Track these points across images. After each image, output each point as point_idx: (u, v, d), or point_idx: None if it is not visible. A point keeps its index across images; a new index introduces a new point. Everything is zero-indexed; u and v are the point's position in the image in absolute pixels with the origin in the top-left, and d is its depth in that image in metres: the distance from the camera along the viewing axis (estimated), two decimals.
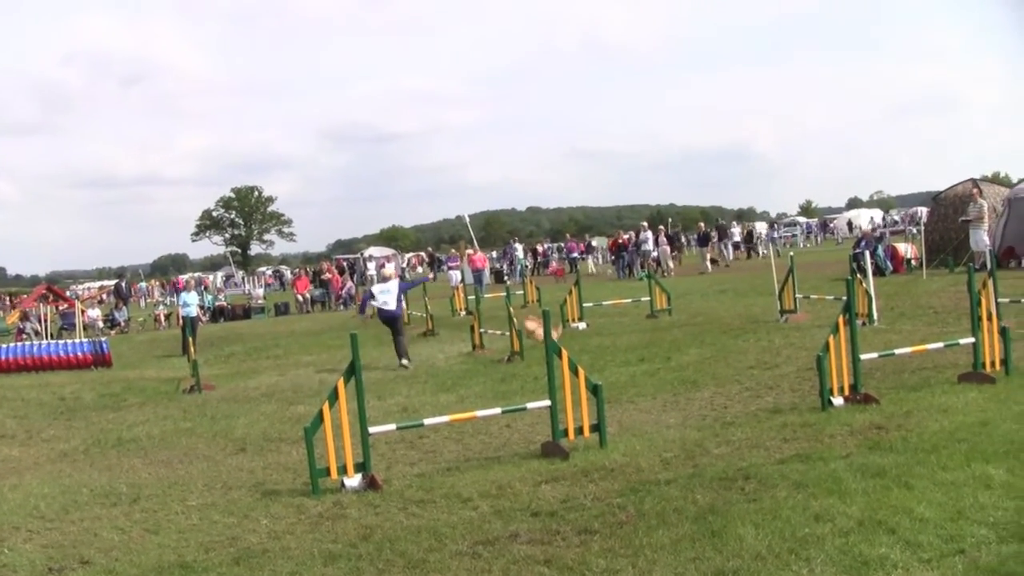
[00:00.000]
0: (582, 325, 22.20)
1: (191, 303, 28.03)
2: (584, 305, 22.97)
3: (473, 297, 24.52)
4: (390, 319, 19.03)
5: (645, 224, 45.84)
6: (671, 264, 42.76)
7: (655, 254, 41.98)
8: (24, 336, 35.78)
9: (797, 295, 19.67)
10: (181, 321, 27.35)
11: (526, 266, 49.65)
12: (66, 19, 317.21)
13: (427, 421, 10.49)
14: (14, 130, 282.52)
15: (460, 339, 21.33)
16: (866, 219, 77.83)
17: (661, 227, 46.75)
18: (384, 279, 20.34)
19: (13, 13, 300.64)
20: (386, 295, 19.12)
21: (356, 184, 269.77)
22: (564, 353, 9.84)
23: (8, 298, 66.32)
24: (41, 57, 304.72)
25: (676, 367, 15.05)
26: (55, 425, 15.22)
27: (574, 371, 9.82)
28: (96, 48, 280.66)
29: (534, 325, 17.05)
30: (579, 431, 9.83)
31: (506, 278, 45.61)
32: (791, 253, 21.67)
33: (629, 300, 25.01)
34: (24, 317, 39.82)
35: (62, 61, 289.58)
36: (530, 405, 10.44)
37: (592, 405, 9.91)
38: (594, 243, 77.32)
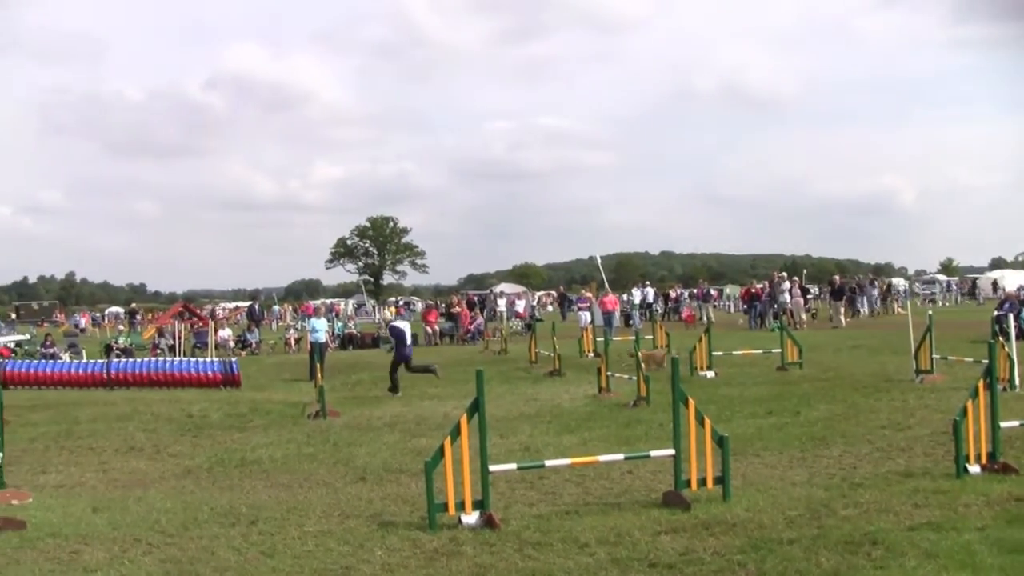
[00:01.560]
0: (711, 374, 21.91)
1: (320, 329, 28.36)
2: (713, 354, 22.68)
3: (602, 339, 24.36)
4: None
5: (785, 274, 45.09)
6: (804, 316, 42.00)
7: (789, 305, 41.24)
8: (158, 352, 36.71)
9: (934, 355, 19.08)
10: (310, 346, 27.66)
11: (640, 316, 48.93)
12: (213, 46, 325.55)
13: (548, 462, 10.42)
14: (159, 151, 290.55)
15: (587, 381, 21.18)
16: (1013, 280, 75.42)
17: (795, 278, 45.99)
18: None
19: (161, 38, 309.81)
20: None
21: (489, 220, 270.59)
22: (691, 402, 9.66)
23: (147, 314, 68.10)
24: (187, 81, 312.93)
25: (804, 422, 14.71)
26: (182, 441, 15.51)
27: (700, 421, 9.63)
28: (241, 75, 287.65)
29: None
30: (702, 482, 9.63)
31: (630, 323, 45.22)
32: (930, 311, 21.07)
33: (759, 351, 24.59)
34: (160, 333, 40.86)
35: (207, 86, 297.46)
36: (654, 453, 10.30)
37: (717, 456, 9.70)
38: (726, 291, 76.58)
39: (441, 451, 8.94)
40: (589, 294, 46.32)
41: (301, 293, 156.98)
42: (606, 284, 50.47)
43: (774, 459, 11.91)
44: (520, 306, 57.38)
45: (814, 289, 62.20)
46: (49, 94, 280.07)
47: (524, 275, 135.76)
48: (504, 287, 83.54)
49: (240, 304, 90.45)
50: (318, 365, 20.16)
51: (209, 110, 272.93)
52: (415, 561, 7.92)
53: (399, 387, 21.78)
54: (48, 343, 39.19)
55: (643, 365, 17.82)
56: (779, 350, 22.98)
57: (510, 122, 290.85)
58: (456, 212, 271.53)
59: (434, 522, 8.91)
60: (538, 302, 75.38)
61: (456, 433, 8.94)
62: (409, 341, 22.89)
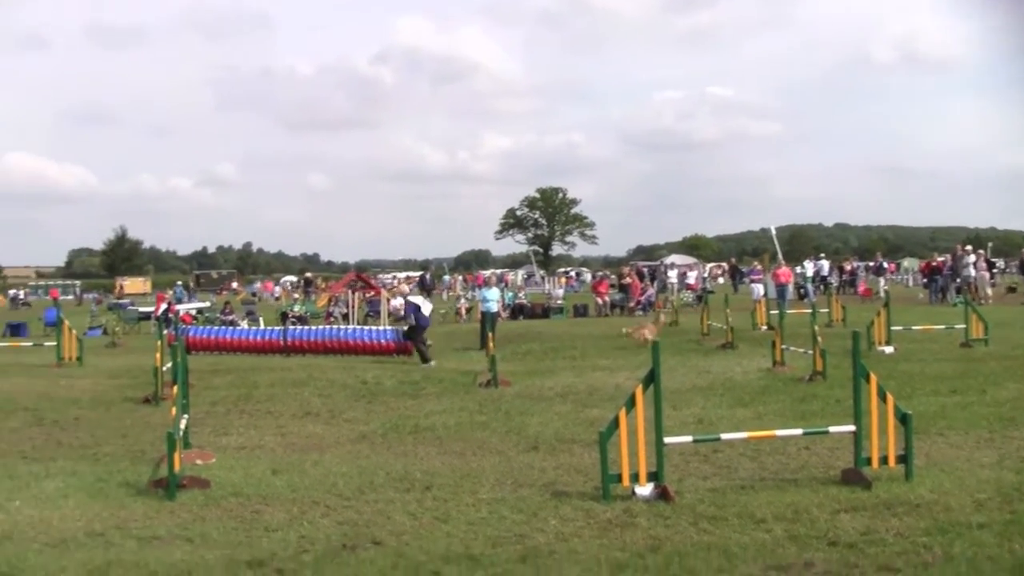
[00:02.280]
0: (889, 349, 21.30)
1: (492, 299, 28.42)
2: (892, 328, 22.05)
3: (775, 312, 23.94)
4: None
5: (969, 247, 43.47)
6: (989, 291, 40.45)
7: (973, 279, 39.76)
8: (332, 319, 37.43)
9: None
10: (481, 316, 27.82)
11: (814, 289, 47.81)
12: (382, 20, 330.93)
13: (724, 436, 10.27)
14: (330, 124, 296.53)
15: (760, 354, 20.80)
16: None
17: (980, 251, 44.37)
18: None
19: (334, 13, 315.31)
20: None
21: (659, 190, 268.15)
22: (873, 378, 9.38)
23: (322, 283, 69.60)
24: (357, 55, 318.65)
25: (992, 402, 14.15)
26: (356, 407, 15.75)
27: (882, 397, 9.35)
28: (410, 47, 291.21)
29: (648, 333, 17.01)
30: (883, 460, 9.35)
31: (804, 296, 44.31)
32: None
33: (941, 326, 23.81)
34: (333, 301, 41.66)
35: (376, 59, 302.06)
36: (832, 429, 10.05)
37: (899, 434, 9.41)
38: (904, 264, 74.51)
39: (616, 422, 8.89)
40: (761, 266, 45.60)
41: (471, 263, 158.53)
42: (780, 256, 49.69)
43: (959, 439, 11.49)
44: (691, 278, 56.94)
45: (1000, 263, 60.02)
46: (223, 70, 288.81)
47: (694, 246, 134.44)
48: (675, 258, 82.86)
49: (410, 274, 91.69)
50: (490, 334, 20.24)
51: (378, 83, 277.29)
52: (588, 531, 7.89)
53: (429, 357, 22.45)
54: (227, 310, 40.37)
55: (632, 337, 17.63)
56: (963, 326, 22.21)
57: (678, 91, 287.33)
58: (625, 183, 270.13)
59: (608, 493, 8.87)
60: (709, 274, 74.59)
61: (631, 404, 8.87)
62: (427, 313, 24.29)
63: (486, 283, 34.61)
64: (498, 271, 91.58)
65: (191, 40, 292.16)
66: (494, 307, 28.46)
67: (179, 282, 79.01)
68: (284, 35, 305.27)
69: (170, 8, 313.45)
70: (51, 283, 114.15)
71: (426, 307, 24.34)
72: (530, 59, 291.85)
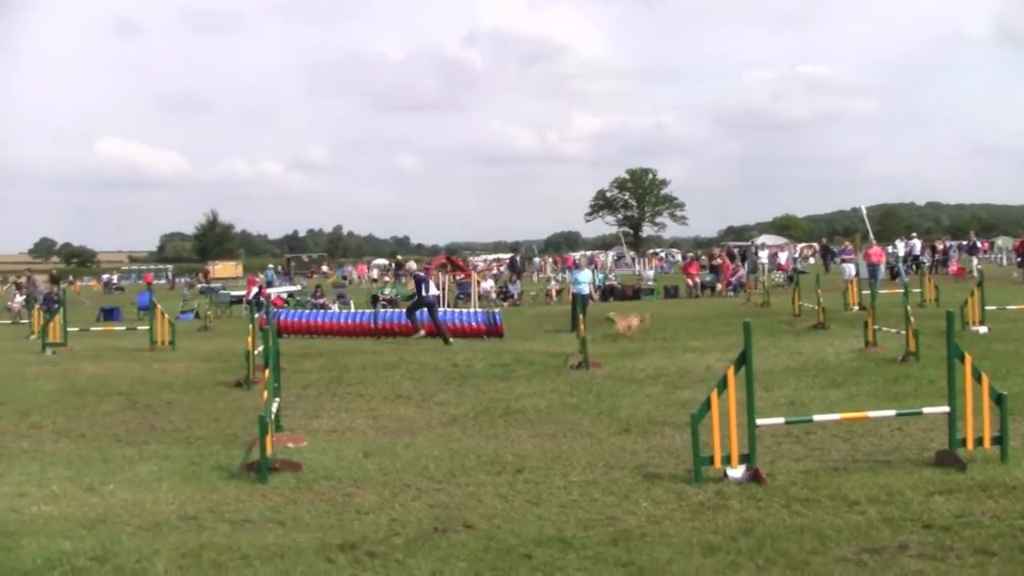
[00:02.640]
0: (983, 329, 20.94)
1: (583, 281, 28.18)
2: (986, 308, 21.68)
3: (867, 292, 23.66)
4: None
5: None
6: None
7: None
8: None
9: None
10: (572, 298, 27.72)
11: (906, 269, 47.06)
12: (470, 2, 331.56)
13: (816, 417, 10.18)
14: (419, 107, 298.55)
15: (852, 334, 20.55)
16: None
17: None
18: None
19: None
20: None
21: (749, 171, 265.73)
22: (967, 358, 9.27)
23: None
24: (446, 38, 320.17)
25: None
26: (447, 390, 15.84)
27: (977, 378, 9.22)
28: (498, 29, 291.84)
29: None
30: (978, 442, 9.21)
31: (896, 276, 43.67)
32: None
33: None
34: None
35: (465, 42, 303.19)
36: (926, 410, 9.94)
37: (994, 415, 9.27)
38: (998, 243, 73.05)
39: (708, 403, 8.87)
40: (852, 246, 45.01)
41: (560, 245, 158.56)
42: (871, 235, 48.97)
43: None
44: (782, 258, 56.46)
45: None
46: (314, 54, 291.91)
47: (785, 227, 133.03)
48: (765, 239, 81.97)
49: (500, 256, 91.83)
50: (581, 316, 20.24)
51: (467, 65, 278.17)
52: (680, 514, 7.89)
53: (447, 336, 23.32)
54: (318, 294, 40.85)
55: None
56: None
57: (770, 71, 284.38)
58: (715, 163, 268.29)
59: (700, 475, 8.86)
60: (800, 254, 73.82)
61: (723, 385, 8.85)
62: (431, 292, 24.97)
63: (577, 265, 34.20)
64: (588, 253, 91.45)
65: (283, 25, 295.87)
66: (586, 289, 28.25)
67: (271, 265, 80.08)
68: (374, 19, 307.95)
69: None
70: (144, 268, 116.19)
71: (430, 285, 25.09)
72: (620, 39, 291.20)
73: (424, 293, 24.10)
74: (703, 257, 55.77)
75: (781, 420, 9.98)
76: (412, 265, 31.77)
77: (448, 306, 34.28)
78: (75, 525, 7.96)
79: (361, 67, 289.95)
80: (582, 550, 6.97)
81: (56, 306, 27.65)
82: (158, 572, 6.68)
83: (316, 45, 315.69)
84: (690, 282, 42.78)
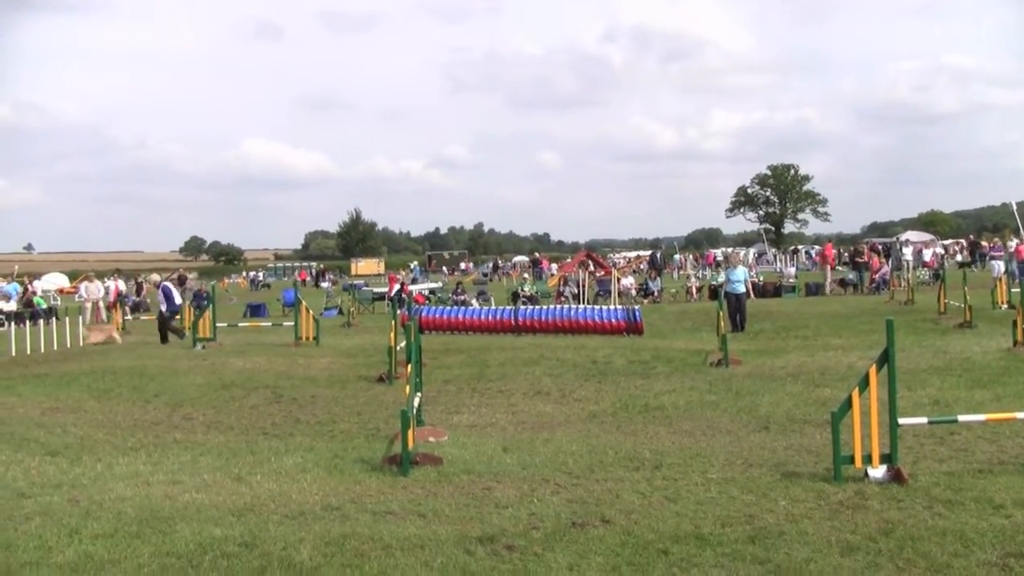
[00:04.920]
0: None
1: (738, 279, 26.77)
2: None
3: (1017, 290, 23.00)
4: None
5: None
6: None
7: None
8: (563, 299, 37.76)
9: None
10: (725, 297, 25.89)
11: None
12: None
13: (961, 417, 9.95)
14: (558, 104, 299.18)
15: (1000, 333, 19.99)
16: None
17: None
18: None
19: None
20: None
21: (894, 166, 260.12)
22: None
23: (550, 263, 70.33)
24: (586, 34, 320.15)
25: None
26: (586, 386, 15.88)
27: None
28: (638, 25, 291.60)
29: None
30: None
31: None
32: None
33: None
34: (564, 281, 42.01)
35: (604, 38, 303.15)
36: None
37: None
38: None
39: (849, 402, 8.75)
40: (1001, 242, 43.77)
41: (701, 242, 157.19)
42: (1022, 231, 47.54)
43: None
44: (927, 255, 55.11)
45: None
46: (453, 52, 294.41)
47: (930, 223, 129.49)
48: (910, 235, 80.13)
49: (641, 253, 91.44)
50: (737, 316, 19.89)
51: (607, 62, 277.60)
52: (819, 513, 7.80)
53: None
54: (459, 290, 41.22)
55: None
56: None
57: (914, 61, 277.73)
58: (858, 158, 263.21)
59: (839, 474, 8.75)
60: (946, 251, 71.98)
61: (865, 384, 8.71)
62: None
63: (731, 263, 32.30)
64: (728, 250, 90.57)
65: (422, 24, 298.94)
66: (741, 288, 26.63)
67: (414, 263, 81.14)
68: (513, 16, 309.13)
69: None
70: (288, 264, 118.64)
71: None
72: (761, 33, 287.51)
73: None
74: (846, 254, 54.77)
75: (924, 420, 9.79)
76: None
77: (588, 303, 34.33)
78: (225, 513, 8.21)
79: (500, 64, 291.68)
80: (719, 547, 6.94)
81: (205, 303, 28.42)
82: (303, 559, 6.84)
83: (455, 43, 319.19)
84: (829, 268, 41.93)
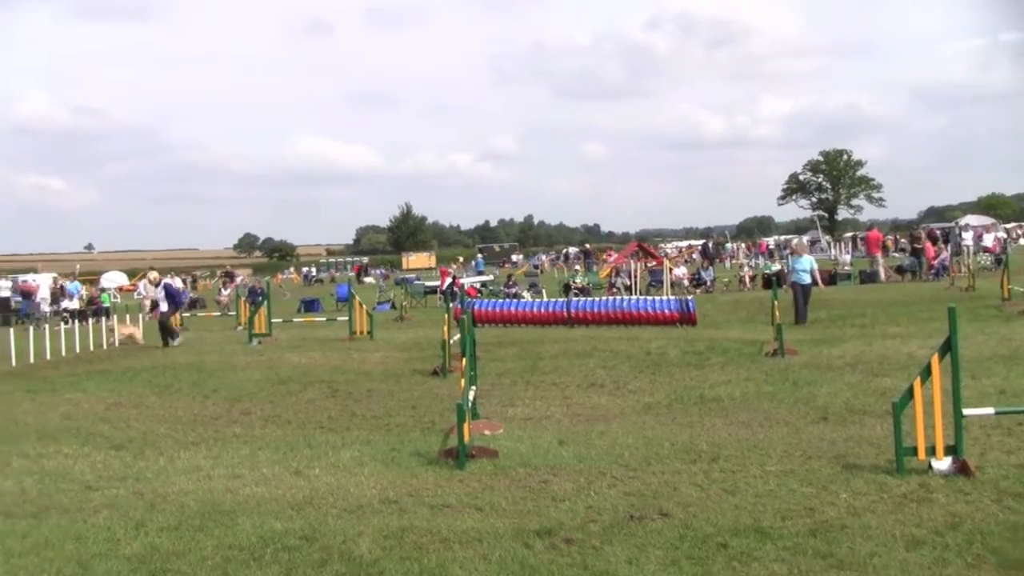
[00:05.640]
0: None
1: (803, 269, 25.04)
2: None
3: None
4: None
5: None
6: None
7: None
8: (615, 290, 37.70)
9: None
10: (792, 287, 24.65)
11: None
12: None
13: None
14: (605, 94, 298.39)
15: None
16: None
17: None
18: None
19: None
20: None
21: (950, 148, 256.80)
22: None
23: (600, 254, 70.32)
24: (629, 23, 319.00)
25: None
26: (640, 378, 15.82)
27: None
28: (683, 12, 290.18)
29: None
30: None
31: None
32: None
33: None
34: (616, 272, 41.91)
35: (648, 26, 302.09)
36: None
37: None
38: None
39: (910, 392, 8.61)
40: None
41: (753, 230, 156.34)
42: None
43: None
44: (988, 240, 54.39)
45: None
46: (497, 44, 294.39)
47: (991, 206, 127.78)
48: (970, 219, 79.11)
49: (692, 243, 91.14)
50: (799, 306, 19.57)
51: (653, 50, 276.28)
52: (882, 506, 7.69)
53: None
54: (511, 283, 41.24)
55: None
56: None
57: (970, 40, 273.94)
58: (914, 141, 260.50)
59: (902, 466, 8.63)
60: (1009, 235, 71.04)
61: (927, 374, 8.57)
62: None
63: (795, 252, 29.89)
64: (780, 237, 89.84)
65: (465, 17, 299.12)
66: (806, 278, 24.91)
67: (479, 256, 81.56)
68: (557, 6, 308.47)
69: None
70: (340, 259, 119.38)
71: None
72: (809, 15, 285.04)
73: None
74: (903, 241, 54.22)
75: (991, 410, 9.64)
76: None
77: (640, 294, 34.22)
78: (284, 506, 8.29)
79: (545, 55, 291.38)
80: (779, 540, 6.87)
81: (261, 299, 28.64)
82: (363, 553, 6.86)
83: (499, 35, 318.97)
84: (875, 256, 41.49)
